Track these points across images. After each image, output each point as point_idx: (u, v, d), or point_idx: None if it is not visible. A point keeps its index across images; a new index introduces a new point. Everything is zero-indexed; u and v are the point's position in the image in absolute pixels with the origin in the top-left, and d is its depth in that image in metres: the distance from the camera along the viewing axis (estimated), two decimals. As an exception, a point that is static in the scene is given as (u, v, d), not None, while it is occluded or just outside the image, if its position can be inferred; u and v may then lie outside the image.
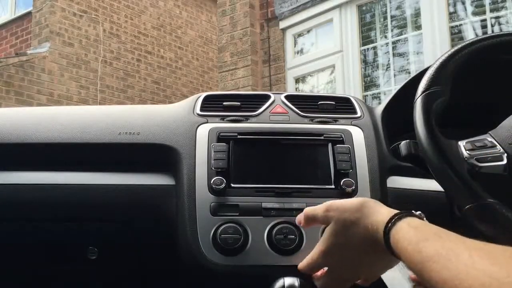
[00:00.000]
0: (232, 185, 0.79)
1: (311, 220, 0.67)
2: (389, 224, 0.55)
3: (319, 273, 0.67)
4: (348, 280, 0.65)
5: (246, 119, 0.88)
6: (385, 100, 0.96)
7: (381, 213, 0.58)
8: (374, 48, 3.87)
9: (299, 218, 0.70)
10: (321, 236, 0.65)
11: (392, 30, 3.79)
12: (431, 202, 0.85)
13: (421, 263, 0.46)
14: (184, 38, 8.49)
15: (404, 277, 0.66)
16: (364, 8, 3.95)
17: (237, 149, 0.83)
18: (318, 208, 0.65)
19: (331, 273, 0.65)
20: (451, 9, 3.44)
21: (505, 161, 0.66)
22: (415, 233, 0.50)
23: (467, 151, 0.68)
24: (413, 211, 0.57)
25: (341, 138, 0.85)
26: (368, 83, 3.88)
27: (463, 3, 3.43)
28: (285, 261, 0.73)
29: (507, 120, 0.71)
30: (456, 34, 3.42)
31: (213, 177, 0.78)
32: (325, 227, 0.65)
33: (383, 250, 0.56)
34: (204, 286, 0.83)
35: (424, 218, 0.57)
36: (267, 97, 0.93)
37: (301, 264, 0.67)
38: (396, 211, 0.57)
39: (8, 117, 0.93)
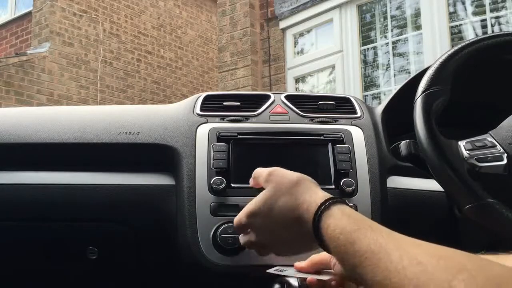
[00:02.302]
0: (232, 185, 0.79)
1: (256, 179, 0.67)
2: (322, 207, 0.53)
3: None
4: (265, 248, 0.65)
5: (246, 119, 0.88)
6: (385, 100, 0.96)
7: (316, 193, 0.57)
8: (374, 48, 3.87)
9: (251, 179, 0.70)
10: None
11: (392, 30, 3.79)
12: (431, 202, 0.85)
13: (353, 257, 0.45)
14: (184, 38, 8.49)
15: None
16: (364, 8, 3.95)
17: (237, 149, 0.83)
18: (265, 170, 0.65)
19: (251, 235, 0.64)
20: (451, 9, 3.44)
21: (505, 161, 0.66)
22: (348, 221, 0.49)
23: (467, 151, 0.68)
24: (346, 200, 0.57)
25: (341, 138, 0.85)
26: (368, 83, 3.88)
27: (463, 3, 3.43)
28: (285, 261, 0.73)
29: (507, 120, 0.71)
30: (456, 34, 3.42)
31: (213, 177, 0.78)
32: None
33: (308, 233, 0.54)
34: (204, 286, 0.83)
35: (357, 210, 0.56)
36: (267, 97, 0.93)
37: (234, 220, 0.67)
38: (330, 195, 0.56)
39: (8, 117, 0.93)
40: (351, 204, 0.56)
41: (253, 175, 0.69)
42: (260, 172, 0.66)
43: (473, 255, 0.38)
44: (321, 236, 0.52)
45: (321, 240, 0.52)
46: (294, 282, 0.65)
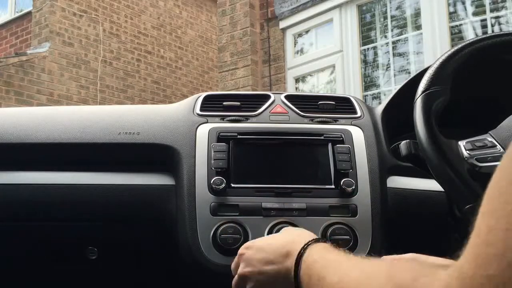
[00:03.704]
0: (232, 185, 0.79)
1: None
2: (297, 267, 0.55)
3: None
4: None
5: (246, 119, 0.88)
6: (385, 100, 0.96)
7: (291, 254, 0.58)
8: (374, 48, 3.87)
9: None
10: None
11: (392, 30, 3.79)
12: (431, 202, 0.85)
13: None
14: (184, 38, 8.49)
15: None
16: (364, 8, 3.95)
17: (237, 149, 0.83)
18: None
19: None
20: (451, 9, 3.44)
21: (505, 161, 0.66)
22: (319, 264, 0.52)
23: (467, 151, 0.68)
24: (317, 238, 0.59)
25: (341, 138, 0.85)
26: (368, 83, 3.88)
27: (463, 3, 3.43)
28: None
29: (507, 120, 0.71)
30: (456, 34, 3.42)
31: (213, 177, 0.78)
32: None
33: None
34: (204, 286, 0.83)
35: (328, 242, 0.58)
36: (267, 97, 0.93)
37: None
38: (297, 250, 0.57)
39: (8, 117, 0.93)
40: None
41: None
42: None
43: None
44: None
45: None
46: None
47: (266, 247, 0.61)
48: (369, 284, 0.40)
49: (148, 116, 0.91)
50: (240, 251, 0.65)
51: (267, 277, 0.60)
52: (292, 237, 0.61)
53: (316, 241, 0.57)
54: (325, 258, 0.51)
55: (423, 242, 0.87)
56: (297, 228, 0.71)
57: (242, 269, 0.63)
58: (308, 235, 0.61)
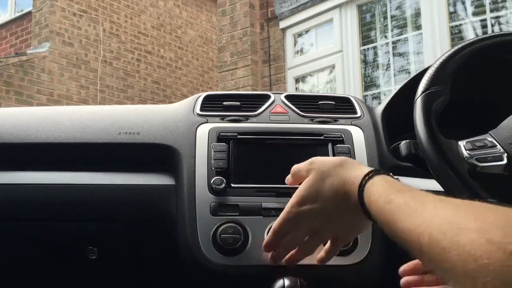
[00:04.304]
0: (232, 185, 0.79)
1: (296, 174, 0.68)
2: (366, 177, 0.56)
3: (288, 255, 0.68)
4: (317, 237, 0.65)
5: (246, 119, 0.88)
6: (385, 100, 0.96)
7: (361, 169, 0.59)
8: (374, 48, 3.87)
9: (288, 176, 0.71)
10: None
11: (392, 30, 3.79)
12: (431, 202, 0.85)
13: (390, 214, 0.48)
14: (184, 38, 8.49)
15: None
16: (364, 8, 3.95)
17: (237, 149, 0.83)
18: (303, 163, 0.67)
19: (301, 228, 0.65)
20: (451, 9, 3.44)
21: (505, 161, 0.66)
22: (388, 186, 0.52)
23: (467, 151, 0.68)
24: (391, 174, 0.58)
25: (341, 138, 0.85)
26: (368, 83, 3.88)
27: (463, 3, 3.43)
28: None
29: (507, 120, 0.71)
30: (456, 34, 3.42)
31: (213, 177, 0.78)
32: None
33: (355, 206, 0.57)
34: (204, 286, 0.83)
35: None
36: (267, 97, 0.93)
37: (275, 223, 0.67)
38: (374, 168, 0.58)
39: (8, 117, 0.93)
40: (395, 177, 0.58)
41: (291, 172, 0.70)
42: (299, 167, 0.68)
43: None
44: (365, 204, 0.55)
45: (365, 209, 0.55)
46: (294, 282, 0.65)
47: (320, 197, 0.62)
48: (457, 237, 0.36)
49: (148, 116, 0.91)
50: (296, 208, 0.64)
51: (337, 220, 0.62)
52: (340, 175, 0.60)
53: (372, 174, 0.56)
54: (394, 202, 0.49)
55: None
56: (327, 158, 0.67)
57: (308, 226, 0.64)
58: (357, 167, 0.60)
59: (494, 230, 0.34)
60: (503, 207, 0.39)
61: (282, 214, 0.65)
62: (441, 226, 0.38)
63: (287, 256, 0.67)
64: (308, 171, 0.65)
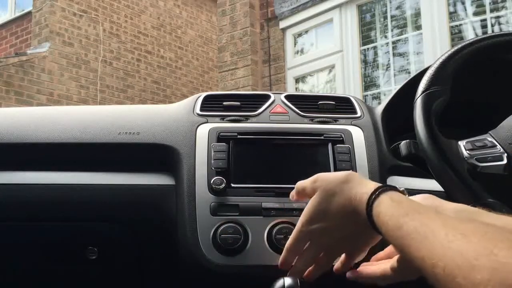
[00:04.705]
0: (232, 185, 0.79)
1: (301, 192, 0.68)
2: (373, 196, 0.55)
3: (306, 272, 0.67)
4: (331, 253, 0.65)
5: (246, 119, 0.88)
6: (385, 100, 0.96)
7: (366, 185, 0.59)
8: (374, 48, 3.87)
9: (292, 193, 0.71)
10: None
11: (392, 30, 3.79)
12: (431, 202, 0.85)
13: (401, 239, 0.47)
14: (184, 38, 8.49)
15: None
16: (364, 8, 3.95)
17: (237, 149, 0.83)
18: (307, 180, 0.66)
19: (313, 244, 0.64)
20: (451, 9, 3.44)
21: (505, 161, 0.67)
22: (396, 208, 0.51)
23: (467, 151, 0.68)
24: (397, 186, 0.58)
25: (341, 138, 0.85)
26: (368, 83, 3.88)
27: (463, 3, 3.43)
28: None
29: (507, 120, 0.71)
30: (456, 34, 3.42)
31: (213, 177, 0.78)
32: None
33: (364, 223, 0.56)
34: (204, 286, 0.83)
35: (407, 195, 0.57)
36: (267, 97, 0.93)
37: (283, 253, 0.66)
38: (380, 184, 0.57)
39: (8, 117, 0.93)
40: (402, 189, 0.57)
41: (296, 189, 0.69)
42: (303, 184, 0.67)
43: None
44: (375, 224, 0.54)
45: (376, 227, 0.55)
46: (295, 282, 0.65)
47: (328, 216, 0.62)
48: (471, 275, 0.36)
49: (148, 116, 0.91)
50: (305, 228, 0.64)
51: (348, 236, 0.61)
52: (346, 192, 0.60)
53: (378, 192, 0.56)
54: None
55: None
56: (331, 174, 0.66)
57: (320, 245, 0.64)
58: (363, 184, 0.60)
59: (507, 272, 0.34)
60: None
61: (293, 234, 0.66)
62: (455, 259, 0.38)
63: (306, 273, 0.67)
64: (313, 189, 0.64)
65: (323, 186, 0.63)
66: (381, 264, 0.64)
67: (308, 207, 0.64)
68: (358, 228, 0.60)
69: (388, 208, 0.52)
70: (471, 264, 0.36)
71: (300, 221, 0.65)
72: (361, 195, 0.57)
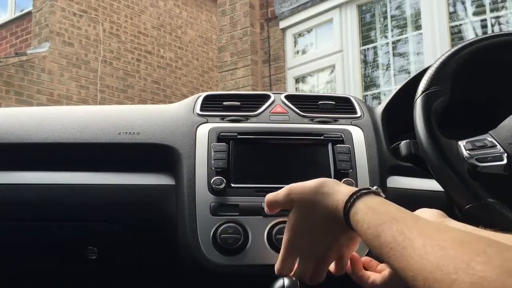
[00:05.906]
0: (232, 185, 0.79)
1: (273, 205, 0.67)
2: (348, 205, 0.55)
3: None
4: (323, 262, 0.64)
5: (246, 119, 0.88)
6: (385, 100, 0.96)
7: (340, 192, 0.58)
8: (374, 48, 3.87)
9: (265, 207, 0.70)
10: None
11: (392, 30, 3.79)
12: (431, 202, 0.85)
13: (380, 248, 0.47)
14: (184, 38, 8.49)
15: None
16: (364, 8, 3.95)
17: (237, 149, 0.83)
18: (280, 193, 0.65)
19: (305, 258, 0.64)
20: (451, 9, 3.44)
21: (505, 161, 0.67)
22: (373, 216, 0.51)
23: (467, 151, 0.68)
24: (369, 187, 0.57)
25: (341, 138, 0.85)
26: (368, 83, 3.88)
27: (463, 3, 3.43)
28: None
29: (507, 120, 0.71)
30: (456, 34, 3.42)
31: (213, 177, 0.78)
32: None
33: (349, 230, 0.56)
34: (204, 286, 0.83)
35: (381, 193, 0.57)
36: (267, 97, 0.93)
37: (276, 265, 0.66)
38: (354, 189, 0.57)
39: (8, 117, 0.92)
40: (375, 188, 0.57)
41: (266, 202, 0.68)
42: (275, 197, 0.66)
43: (493, 240, 0.39)
44: (356, 232, 0.54)
45: (359, 234, 0.54)
46: (295, 282, 0.65)
47: (311, 231, 0.61)
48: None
49: (148, 116, 0.91)
50: (290, 249, 0.64)
51: (335, 244, 0.61)
52: (322, 203, 0.59)
53: (353, 199, 0.55)
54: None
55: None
56: (304, 185, 0.64)
57: (309, 260, 0.63)
58: (335, 190, 0.59)
59: (487, 284, 0.34)
60: (495, 241, 0.39)
61: (282, 250, 0.65)
62: (433, 272, 0.38)
63: (308, 280, 0.67)
64: (287, 202, 0.63)
65: (298, 200, 0.62)
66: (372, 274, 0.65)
67: (290, 224, 0.63)
68: (344, 232, 0.59)
69: (365, 216, 0.52)
70: (451, 279, 0.36)
71: (285, 239, 0.64)
72: (336, 203, 0.57)
